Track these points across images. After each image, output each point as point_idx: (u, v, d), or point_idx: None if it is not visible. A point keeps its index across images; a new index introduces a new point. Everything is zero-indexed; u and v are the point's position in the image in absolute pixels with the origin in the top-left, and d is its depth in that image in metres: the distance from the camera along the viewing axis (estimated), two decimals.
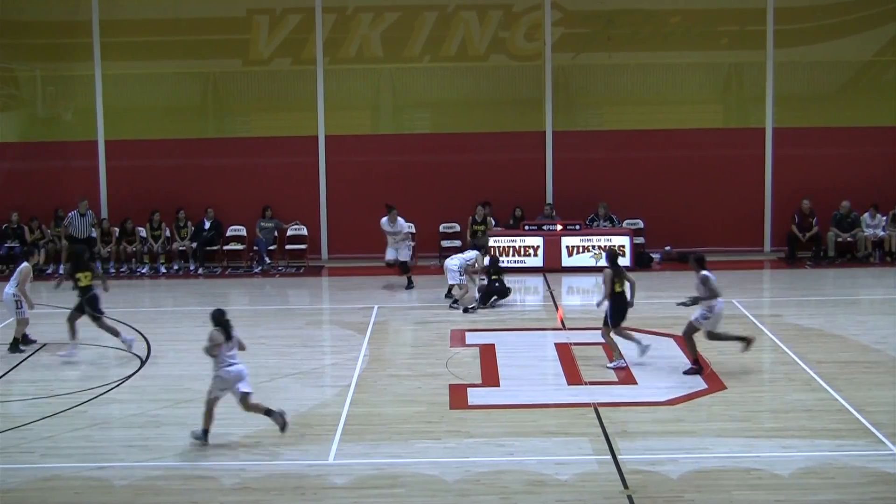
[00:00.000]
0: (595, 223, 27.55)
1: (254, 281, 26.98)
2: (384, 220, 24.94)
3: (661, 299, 23.62)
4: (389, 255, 25.13)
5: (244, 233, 28.37)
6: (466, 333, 21.15)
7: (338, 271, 27.67)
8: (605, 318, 18.91)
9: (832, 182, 28.28)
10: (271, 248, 28.02)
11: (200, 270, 27.55)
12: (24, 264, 20.35)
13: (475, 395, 17.49)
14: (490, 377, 18.45)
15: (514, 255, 26.67)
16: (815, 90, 28.89)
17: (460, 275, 22.97)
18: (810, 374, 18.31)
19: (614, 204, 28.06)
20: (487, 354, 19.66)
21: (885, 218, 27.82)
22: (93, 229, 27.21)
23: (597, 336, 19.81)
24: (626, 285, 18.97)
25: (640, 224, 28.08)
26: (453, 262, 23.15)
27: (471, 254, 23.40)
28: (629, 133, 28.67)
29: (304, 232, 28.38)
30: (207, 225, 27.88)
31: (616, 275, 18.78)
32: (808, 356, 19.30)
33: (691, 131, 28.66)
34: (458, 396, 17.39)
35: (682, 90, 28.77)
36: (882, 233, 27.77)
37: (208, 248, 27.98)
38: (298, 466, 14.55)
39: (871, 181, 28.18)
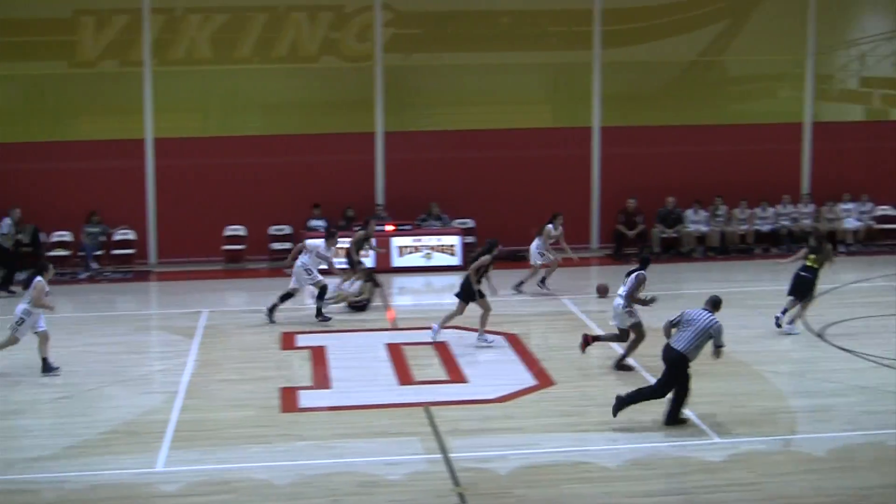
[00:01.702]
0: (426, 223, 27.65)
1: (80, 287, 26.39)
2: (323, 244, 22.69)
3: (491, 297, 23.77)
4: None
5: (70, 238, 27.70)
6: (297, 336, 21.02)
7: (167, 276, 27.25)
8: None
9: (658, 179, 28.87)
10: (98, 253, 27.44)
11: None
12: (38, 279, 18.60)
13: (306, 398, 17.40)
14: (321, 379, 18.38)
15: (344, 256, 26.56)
16: (640, 90, 29.43)
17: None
18: (636, 368, 18.64)
19: (446, 204, 28.20)
20: (318, 357, 19.57)
21: (707, 214, 28.54)
22: None
23: (427, 336, 19.97)
24: None
25: (471, 223, 28.27)
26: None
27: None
28: (460, 133, 28.82)
29: (132, 236, 27.87)
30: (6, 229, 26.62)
31: None
32: (637, 352, 19.61)
33: (521, 131, 28.94)
34: (289, 400, 17.28)
35: (512, 90, 29.03)
36: (705, 228, 28.46)
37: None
38: (125, 476, 14.26)
39: (694, 178, 28.86)
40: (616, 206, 28.43)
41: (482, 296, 20.28)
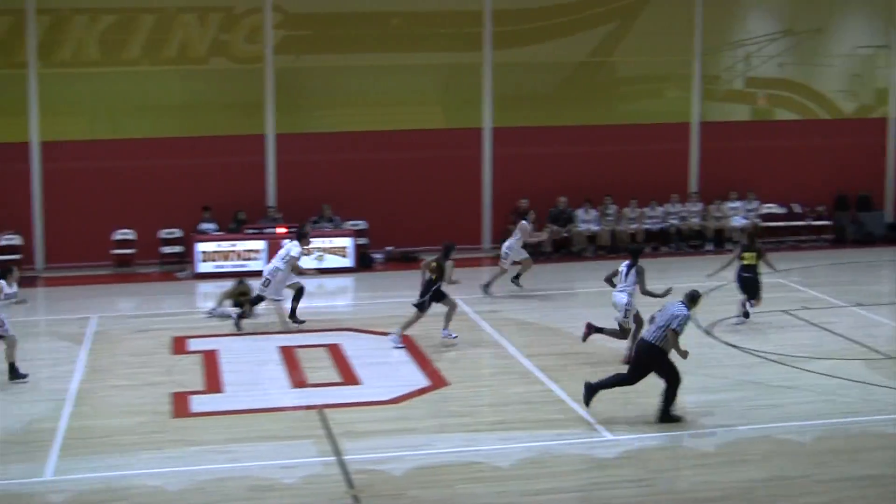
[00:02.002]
0: (318, 225, 27.53)
1: None
2: (296, 244, 22.03)
3: (384, 299, 23.84)
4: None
5: None
6: (189, 340, 20.79)
7: (55, 281, 26.76)
8: None
9: (549, 179, 29.05)
10: None
11: None
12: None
13: (198, 403, 17.24)
14: (213, 384, 18.24)
15: (236, 260, 26.42)
16: (531, 90, 29.58)
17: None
18: (528, 367, 18.80)
19: (338, 206, 28.11)
20: (210, 361, 19.41)
21: (597, 213, 28.82)
22: None
23: (321, 338, 19.92)
24: None
25: (364, 225, 28.23)
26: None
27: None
28: (352, 135, 28.72)
29: (18, 242, 27.34)
30: None
31: None
32: (526, 349, 19.81)
33: (413, 132, 28.94)
34: (180, 405, 17.12)
35: (404, 91, 29.01)
36: (595, 227, 28.74)
37: None
38: (11, 486, 14.01)
39: (585, 178, 29.10)
40: (508, 206, 28.55)
41: (444, 296, 20.32)
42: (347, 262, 26.95)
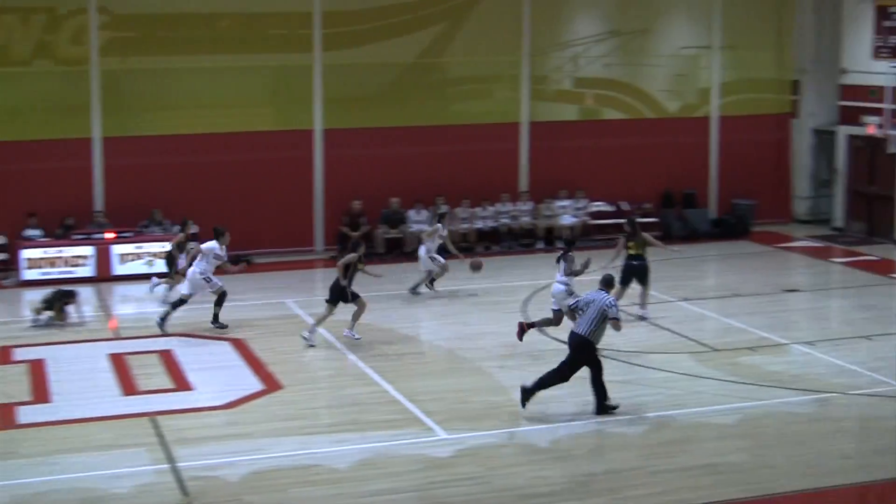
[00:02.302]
0: (148, 230, 27.07)
1: None
2: (216, 244, 21.70)
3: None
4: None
5: None
6: (13, 350, 20.23)
7: None
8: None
9: (381, 180, 29.03)
10: None
11: None
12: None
13: (25, 414, 16.79)
14: (40, 393, 17.78)
15: (63, 266, 25.82)
16: (362, 92, 29.54)
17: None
18: (363, 369, 18.78)
19: (169, 209, 27.64)
20: (37, 370, 18.92)
21: (429, 213, 28.89)
22: None
23: (152, 344, 19.62)
24: None
25: (195, 229, 27.73)
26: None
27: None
28: (181, 137, 28.26)
29: None
30: None
31: None
32: (360, 351, 19.79)
33: (243, 134, 28.62)
34: (6, 416, 16.65)
35: (233, 93, 28.68)
36: (427, 228, 28.78)
37: None
38: None
39: (417, 178, 29.15)
40: (341, 207, 28.48)
41: (356, 296, 20.25)
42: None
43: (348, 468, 14.63)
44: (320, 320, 20.48)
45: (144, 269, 25.78)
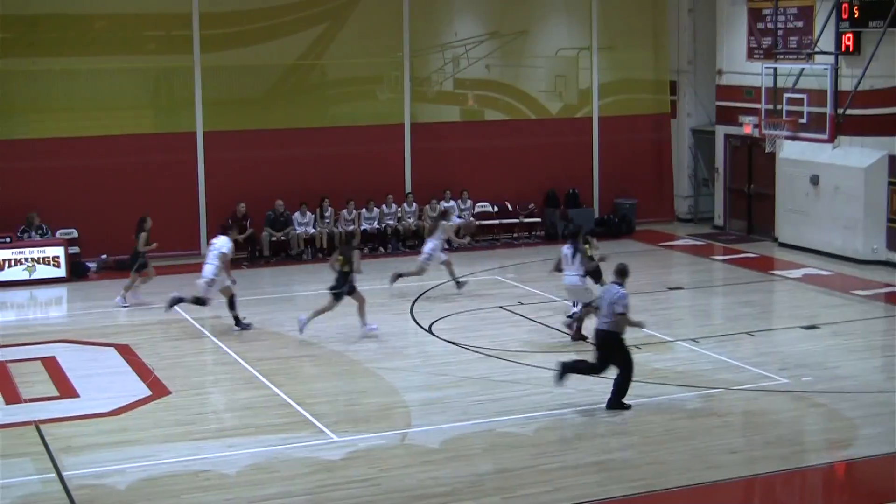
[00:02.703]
0: (27, 235, 26.56)
1: None
2: (229, 242, 21.79)
3: (100, 308, 23.23)
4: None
5: None
6: None
7: None
8: None
9: (265, 183, 28.82)
10: None
11: None
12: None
13: None
14: None
15: None
16: (243, 94, 29.33)
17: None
18: (252, 373, 18.66)
19: (47, 214, 27.15)
20: None
21: (313, 215, 28.78)
22: None
23: (35, 351, 19.26)
24: None
25: (75, 233, 27.39)
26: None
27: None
28: (60, 141, 27.77)
29: None
30: None
31: None
32: (249, 354, 19.67)
33: (123, 137, 28.23)
34: None
35: (112, 96, 28.26)
36: (312, 230, 28.71)
37: None
38: None
39: (301, 180, 29.01)
40: (225, 211, 28.16)
41: (353, 290, 20.62)
42: (60, 271, 26.08)
43: (239, 473, 14.51)
44: (320, 312, 20.76)
45: (25, 275, 25.30)
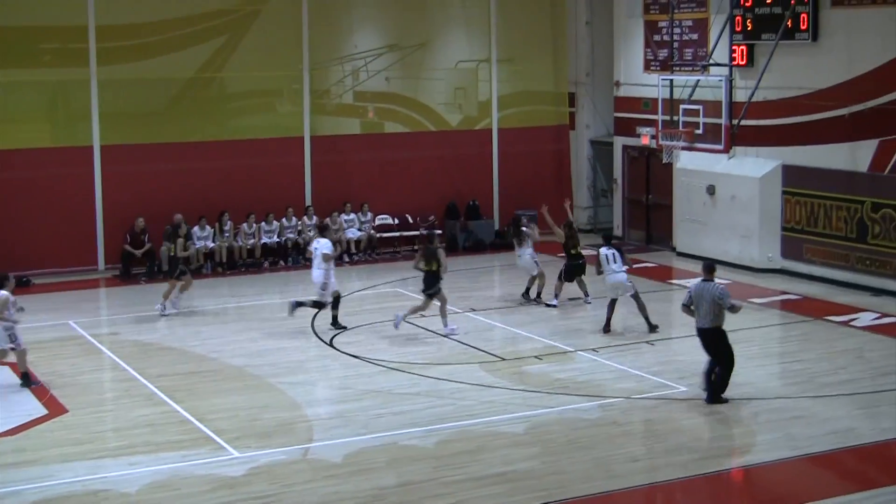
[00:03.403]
0: None
1: None
2: (326, 241, 22.49)
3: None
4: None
5: None
6: None
7: None
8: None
9: (164, 197, 28.48)
10: None
11: None
12: (2, 293, 18.42)
13: None
14: None
15: None
16: (141, 107, 29.00)
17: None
18: (151, 389, 18.44)
19: None
20: None
21: (213, 229, 28.51)
22: None
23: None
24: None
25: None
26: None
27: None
28: None
29: None
30: None
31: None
32: (148, 371, 19.44)
33: (19, 151, 27.78)
34: None
35: (7, 109, 27.84)
36: (212, 244, 28.45)
37: None
38: None
39: (201, 194, 28.72)
40: (124, 225, 27.84)
41: (437, 291, 21.66)
42: None
43: (140, 491, 14.33)
44: (416, 310, 21.81)
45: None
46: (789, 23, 25.88)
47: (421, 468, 15.03)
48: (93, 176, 28.25)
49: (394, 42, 31.48)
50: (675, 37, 28.99)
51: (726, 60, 27.22)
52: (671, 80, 27.63)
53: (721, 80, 26.25)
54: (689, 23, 29.28)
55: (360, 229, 30.11)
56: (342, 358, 20.41)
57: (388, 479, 14.65)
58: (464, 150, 32.15)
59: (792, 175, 26.75)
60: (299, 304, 22.10)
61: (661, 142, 27.94)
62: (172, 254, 23.82)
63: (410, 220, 30.97)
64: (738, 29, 27.25)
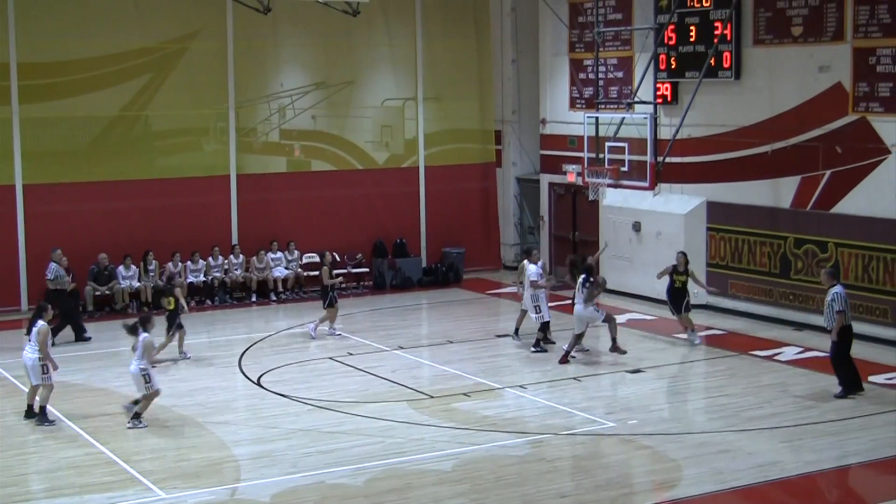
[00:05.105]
0: None
1: None
2: (533, 264, 24.12)
3: None
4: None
5: None
6: None
7: None
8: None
9: (88, 236, 28.21)
10: None
11: None
12: (41, 323, 18.66)
13: None
14: None
15: None
16: (64, 146, 28.68)
17: None
18: (77, 431, 18.20)
19: None
20: None
21: (138, 269, 28.26)
22: None
23: None
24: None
25: None
26: None
27: None
28: None
29: None
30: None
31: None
32: (73, 412, 19.17)
33: None
34: None
35: None
36: (137, 283, 28.19)
37: None
38: None
39: (126, 233, 28.51)
40: (46, 265, 27.47)
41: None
42: None
43: None
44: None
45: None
46: (713, 61, 26.25)
47: None
48: (15, 215, 27.91)
49: (320, 80, 31.47)
50: (601, 75, 29.22)
51: (651, 98, 27.48)
52: (597, 118, 27.82)
53: (646, 118, 26.48)
54: (615, 61, 29.59)
55: (286, 268, 30.00)
56: (269, 397, 20.28)
57: None
58: (391, 188, 32.16)
59: (716, 211, 27.07)
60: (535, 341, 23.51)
61: (586, 179, 28.09)
62: (171, 308, 23.36)
63: (338, 259, 30.87)
64: (663, 67, 27.58)
